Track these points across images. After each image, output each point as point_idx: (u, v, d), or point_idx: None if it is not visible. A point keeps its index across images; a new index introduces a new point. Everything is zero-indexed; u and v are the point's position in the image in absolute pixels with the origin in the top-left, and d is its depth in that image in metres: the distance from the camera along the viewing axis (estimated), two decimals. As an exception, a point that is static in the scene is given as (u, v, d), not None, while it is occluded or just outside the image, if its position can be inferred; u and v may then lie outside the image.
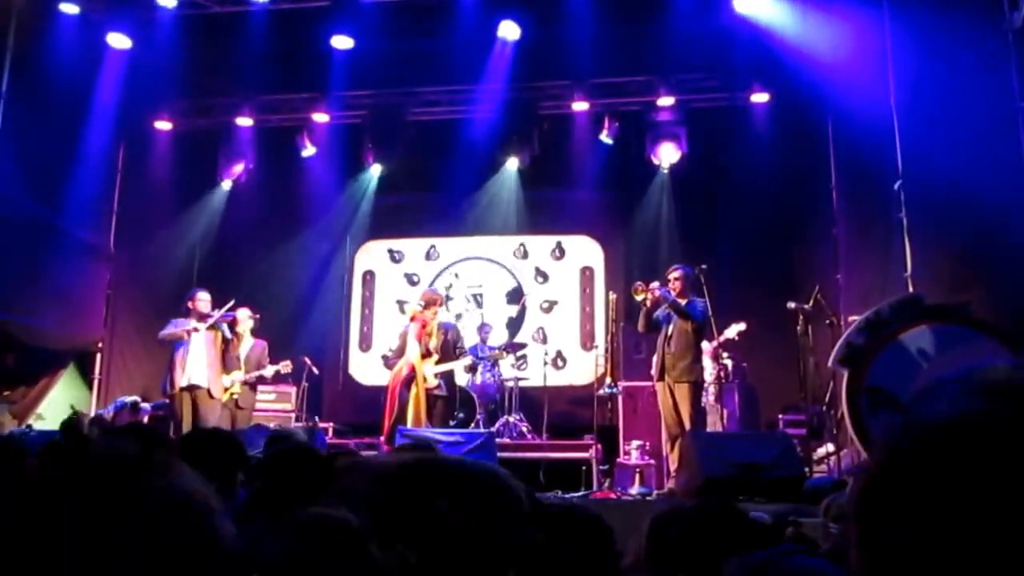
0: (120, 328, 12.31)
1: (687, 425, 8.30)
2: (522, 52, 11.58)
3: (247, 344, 9.95)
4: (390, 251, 14.09)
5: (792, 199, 11.66)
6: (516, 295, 13.66)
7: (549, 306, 13.58)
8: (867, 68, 9.49)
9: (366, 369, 13.32)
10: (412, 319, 9.71)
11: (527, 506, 1.31)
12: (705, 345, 9.01)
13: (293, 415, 11.29)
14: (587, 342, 13.12)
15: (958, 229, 8.20)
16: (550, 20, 11.16)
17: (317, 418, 11.29)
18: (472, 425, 10.72)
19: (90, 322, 11.83)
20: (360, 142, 12.95)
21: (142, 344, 12.06)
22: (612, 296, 10.74)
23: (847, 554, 0.82)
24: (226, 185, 13.16)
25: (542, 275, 13.71)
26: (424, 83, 12.53)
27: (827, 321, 9.15)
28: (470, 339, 12.26)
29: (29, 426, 9.90)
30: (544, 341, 13.16)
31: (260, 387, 10.66)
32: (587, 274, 13.53)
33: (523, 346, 12.68)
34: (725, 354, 9.76)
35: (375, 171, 13.23)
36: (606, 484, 9.04)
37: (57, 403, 11.07)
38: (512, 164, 12.86)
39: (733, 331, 9.64)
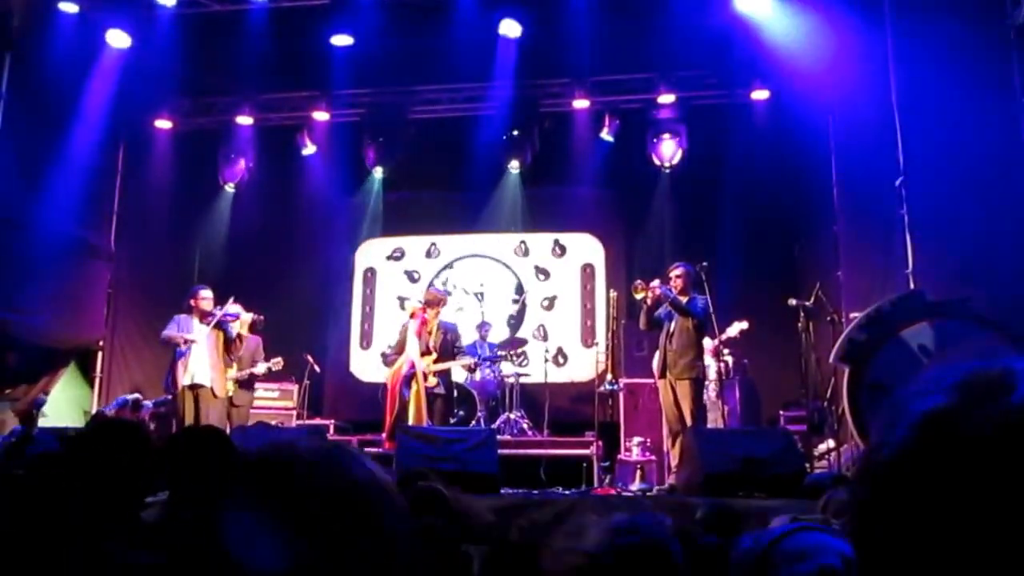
0: (121, 326, 12.31)
1: (688, 421, 8.30)
2: (523, 50, 11.57)
3: None
4: (391, 249, 14.09)
5: (793, 196, 11.66)
6: (517, 292, 13.67)
7: (550, 303, 13.58)
8: (868, 65, 9.49)
9: (367, 366, 13.32)
10: (412, 316, 9.72)
11: None
12: (707, 342, 9.01)
13: (295, 412, 11.32)
14: (588, 339, 13.12)
15: (959, 225, 8.20)
16: (550, 18, 11.14)
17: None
18: (473, 422, 10.71)
19: (91, 320, 11.81)
20: (360, 141, 12.95)
21: (143, 342, 12.07)
22: (613, 293, 10.73)
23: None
24: (228, 188, 13.20)
25: (543, 272, 13.71)
26: (424, 81, 12.53)
27: (828, 318, 9.14)
28: (470, 336, 12.28)
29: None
30: (545, 338, 13.17)
31: (262, 385, 10.68)
32: (588, 271, 13.53)
33: (524, 343, 12.70)
34: (726, 351, 9.75)
35: (375, 169, 13.20)
36: (607, 480, 9.04)
37: (58, 401, 11.09)
38: (513, 162, 12.84)
39: (735, 329, 9.64)
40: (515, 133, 12.36)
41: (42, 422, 10.15)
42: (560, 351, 13.17)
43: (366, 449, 8.25)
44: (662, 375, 8.62)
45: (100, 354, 12.02)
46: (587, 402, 10.74)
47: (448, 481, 3.55)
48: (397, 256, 14.07)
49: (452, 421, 10.44)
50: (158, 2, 10.83)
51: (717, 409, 9.54)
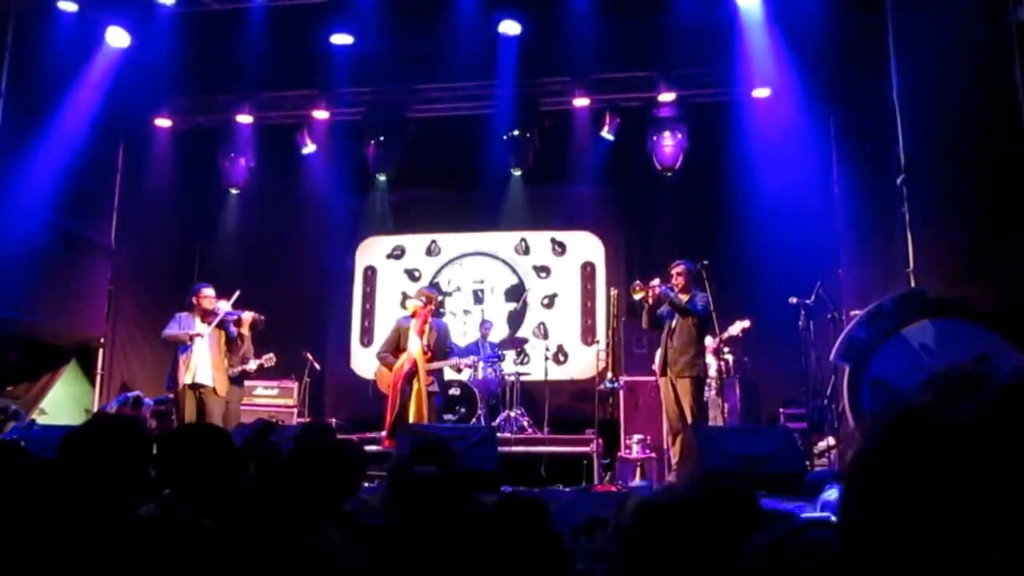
0: (122, 324, 12.29)
1: (689, 419, 8.30)
2: (522, 48, 11.54)
3: None
4: (391, 247, 14.08)
5: (794, 194, 11.62)
6: (517, 290, 13.65)
7: (550, 301, 13.57)
8: (869, 61, 9.48)
9: (368, 364, 13.30)
10: (414, 315, 9.70)
11: None
12: (708, 340, 9.00)
13: (295, 410, 11.32)
14: (588, 337, 13.11)
15: (960, 223, 8.19)
16: (550, 16, 11.13)
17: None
18: (473, 420, 10.71)
19: (92, 318, 11.79)
20: (360, 139, 12.92)
21: (144, 340, 12.06)
22: (613, 291, 10.71)
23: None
24: (232, 191, 13.19)
25: (543, 271, 13.70)
26: (424, 80, 12.48)
27: (828, 316, 9.15)
28: (471, 335, 12.28)
29: (32, 421, 9.87)
30: (545, 336, 13.17)
31: (261, 383, 10.69)
32: (588, 270, 13.51)
33: (524, 341, 12.69)
34: (726, 349, 9.74)
35: (376, 168, 13.16)
36: (607, 478, 9.02)
37: (59, 399, 11.09)
38: (513, 160, 12.77)
39: (737, 328, 9.63)
40: (515, 132, 12.31)
41: (43, 420, 10.14)
42: (560, 349, 13.16)
43: (366, 448, 8.23)
44: (663, 373, 8.62)
45: (101, 352, 11.98)
46: (587, 400, 10.73)
47: (447, 479, 3.56)
48: (397, 255, 14.06)
49: (451, 418, 10.47)
50: (157, 0, 10.82)
51: (717, 407, 9.54)
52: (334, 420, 11.41)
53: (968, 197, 7.95)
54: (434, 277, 13.77)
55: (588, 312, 13.36)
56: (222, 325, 9.31)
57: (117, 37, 11.20)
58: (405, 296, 12.10)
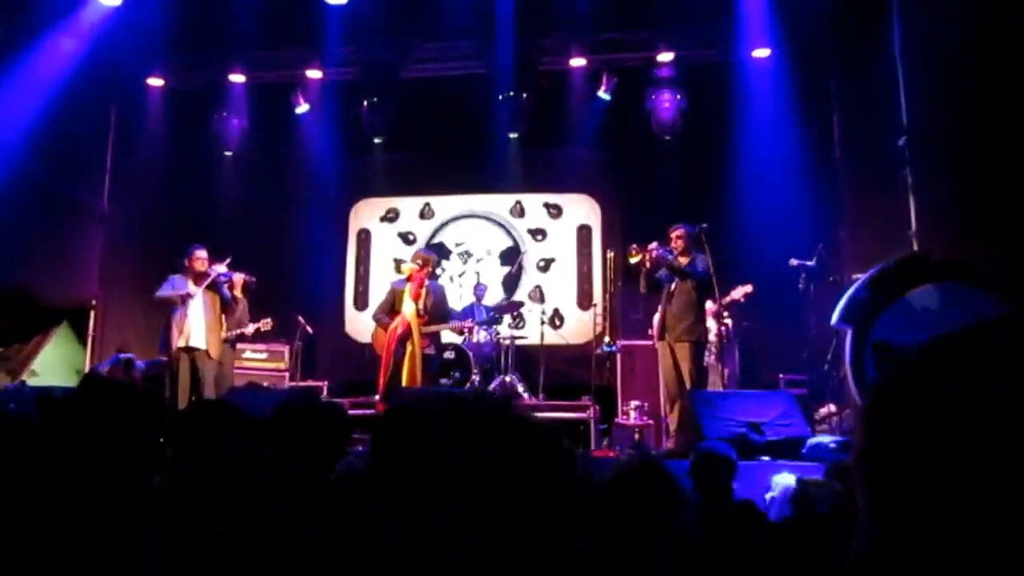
0: (114, 285, 12.14)
1: (688, 385, 8.15)
2: (519, 7, 11.29)
3: None
4: (385, 210, 13.96)
5: (794, 155, 11.41)
6: (513, 253, 13.52)
7: (546, 264, 13.45)
8: (871, 21, 9.29)
9: (362, 327, 13.21)
10: (409, 278, 9.49)
11: None
12: (708, 305, 8.84)
13: (287, 374, 11.23)
14: (584, 301, 13.03)
15: (963, 185, 8.02)
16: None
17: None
18: (468, 385, 10.59)
19: (84, 279, 11.67)
20: (355, 99, 12.69)
21: (136, 301, 11.87)
22: (610, 254, 10.60)
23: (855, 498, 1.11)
24: (227, 153, 12.99)
25: (539, 233, 13.58)
26: (419, 39, 12.26)
27: (831, 279, 9.00)
28: (466, 299, 12.14)
29: (23, 382, 9.80)
30: (541, 300, 13.04)
31: (251, 346, 10.62)
32: (584, 233, 13.40)
33: (520, 305, 12.51)
34: (726, 313, 9.60)
35: (370, 129, 12.95)
36: (604, 444, 8.94)
37: (51, 361, 10.97)
38: (509, 122, 12.54)
39: (739, 292, 9.48)
40: (511, 93, 12.10)
41: (34, 381, 10.05)
42: (556, 313, 13.06)
43: (354, 412, 8.12)
44: (661, 337, 8.46)
45: (93, 313, 11.84)
46: (584, 365, 10.71)
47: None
48: (391, 217, 13.96)
49: (446, 382, 10.32)
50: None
51: (716, 372, 9.40)
52: (326, 383, 11.31)
53: (971, 158, 7.78)
54: (429, 240, 13.64)
55: (584, 276, 13.25)
56: (215, 287, 9.22)
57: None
58: (399, 262, 11.94)
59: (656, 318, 8.65)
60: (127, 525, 2.14)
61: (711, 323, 9.16)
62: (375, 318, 9.67)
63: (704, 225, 8.70)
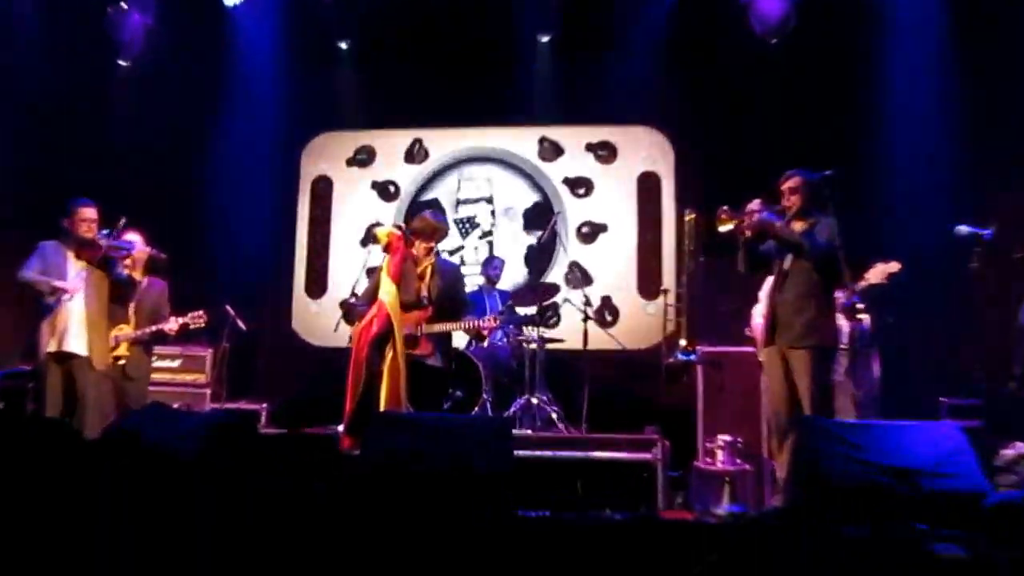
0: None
1: (807, 409, 7.93)
2: None
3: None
4: (353, 149, 14.00)
5: (959, 80, 11.23)
6: (542, 214, 13.48)
7: (592, 232, 13.45)
8: None
9: (317, 324, 13.16)
10: (388, 249, 9.27)
11: None
12: (837, 294, 8.59)
13: (207, 391, 11.15)
14: (649, 286, 13.00)
15: None
16: None
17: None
18: (476, 408, 10.49)
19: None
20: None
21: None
22: (689, 216, 10.36)
23: None
24: (122, 63, 13.07)
25: (581, 185, 13.61)
26: None
27: (1017, 255, 8.79)
28: (472, 280, 11.98)
29: None
30: (584, 283, 12.86)
31: (160, 350, 10.54)
32: (649, 184, 13.41)
33: (553, 291, 12.29)
34: (861, 306, 9.37)
35: (334, 28, 12.98)
36: (678, 500, 8.84)
37: None
38: (536, 19, 12.54)
39: (880, 273, 9.23)
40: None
41: None
42: (607, 303, 13.12)
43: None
44: (768, 341, 8.22)
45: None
46: (647, 381, 10.72)
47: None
48: (363, 159, 14.11)
49: (445, 406, 10.11)
50: None
51: (847, 393, 9.21)
52: (265, 406, 11.16)
53: None
54: (416, 194, 13.63)
55: (649, 249, 13.25)
56: (106, 263, 9.07)
57: None
58: (373, 229, 11.80)
59: (758, 312, 8.50)
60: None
61: (841, 321, 8.92)
62: (346, 303, 9.52)
63: (829, 172, 8.44)
